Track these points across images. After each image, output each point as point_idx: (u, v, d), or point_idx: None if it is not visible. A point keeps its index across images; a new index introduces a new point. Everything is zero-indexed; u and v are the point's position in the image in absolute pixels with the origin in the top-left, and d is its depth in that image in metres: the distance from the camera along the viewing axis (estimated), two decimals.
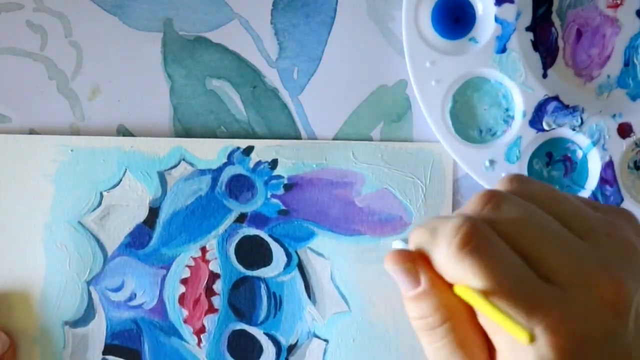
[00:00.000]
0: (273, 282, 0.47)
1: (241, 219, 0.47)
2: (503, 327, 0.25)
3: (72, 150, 0.47)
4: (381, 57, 0.48)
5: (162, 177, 0.47)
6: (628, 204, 0.46)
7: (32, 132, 0.47)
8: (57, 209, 0.47)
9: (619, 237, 0.28)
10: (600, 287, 0.26)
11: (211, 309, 0.47)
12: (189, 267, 0.47)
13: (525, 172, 0.46)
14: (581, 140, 0.46)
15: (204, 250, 0.47)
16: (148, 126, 0.47)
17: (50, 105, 0.47)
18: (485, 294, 0.26)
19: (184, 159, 0.47)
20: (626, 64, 0.47)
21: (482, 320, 0.27)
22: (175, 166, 0.47)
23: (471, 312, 0.27)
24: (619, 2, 0.46)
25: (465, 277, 0.26)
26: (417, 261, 0.28)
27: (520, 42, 0.45)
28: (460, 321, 0.28)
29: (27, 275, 0.46)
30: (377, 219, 0.47)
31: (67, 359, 0.46)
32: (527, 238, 0.27)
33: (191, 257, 0.47)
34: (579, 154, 0.47)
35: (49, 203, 0.47)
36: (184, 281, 0.47)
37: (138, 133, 0.47)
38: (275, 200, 0.47)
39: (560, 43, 0.47)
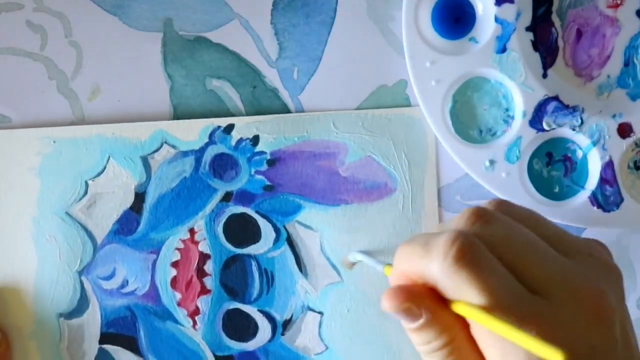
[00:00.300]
0: (263, 259, 0.47)
1: (227, 197, 0.47)
2: (509, 339, 0.26)
3: (54, 142, 0.47)
4: (381, 57, 0.48)
5: (145, 161, 0.47)
6: (628, 204, 0.46)
7: None
8: (43, 202, 0.47)
9: (600, 258, 0.30)
10: (585, 299, 0.27)
11: (204, 290, 0.47)
12: (179, 249, 0.47)
13: (525, 172, 0.46)
14: (581, 140, 0.46)
15: (192, 231, 0.47)
16: None
17: (50, 105, 0.47)
18: (480, 307, 0.27)
19: (165, 142, 0.47)
20: (626, 64, 0.47)
21: (475, 334, 0.28)
22: (157, 150, 0.47)
23: (467, 328, 0.29)
24: (619, 2, 0.46)
25: (460, 288, 0.27)
26: (415, 294, 0.29)
27: (520, 42, 0.45)
28: (461, 340, 0.29)
29: (18, 271, 0.46)
30: (362, 187, 0.47)
31: (64, 352, 0.46)
32: (515, 252, 0.28)
33: (180, 239, 0.47)
34: (579, 154, 0.47)
35: (35, 196, 0.47)
36: (175, 264, 0.47)
37: None
38: (259, 177, 0.47)
39: (560, 43, 0.47)
